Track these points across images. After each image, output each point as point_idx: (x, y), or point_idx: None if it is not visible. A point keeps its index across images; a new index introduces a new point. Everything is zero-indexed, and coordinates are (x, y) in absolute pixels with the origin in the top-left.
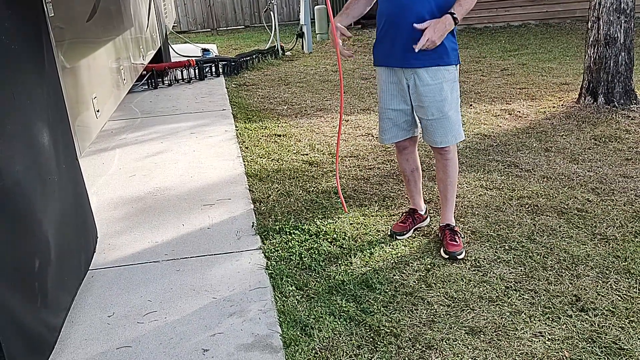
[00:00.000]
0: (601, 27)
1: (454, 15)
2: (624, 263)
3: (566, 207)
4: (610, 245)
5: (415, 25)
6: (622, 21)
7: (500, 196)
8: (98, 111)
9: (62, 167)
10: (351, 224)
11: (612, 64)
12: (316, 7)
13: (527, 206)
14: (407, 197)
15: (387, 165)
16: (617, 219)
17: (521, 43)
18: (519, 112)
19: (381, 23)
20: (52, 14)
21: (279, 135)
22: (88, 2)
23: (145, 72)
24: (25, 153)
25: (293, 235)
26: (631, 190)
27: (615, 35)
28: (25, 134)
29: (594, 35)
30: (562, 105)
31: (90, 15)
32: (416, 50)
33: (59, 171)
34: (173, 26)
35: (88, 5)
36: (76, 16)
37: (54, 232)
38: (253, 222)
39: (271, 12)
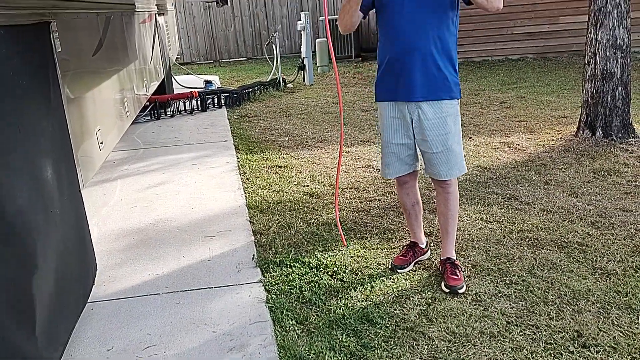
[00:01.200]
0: (598, 63)
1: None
2: (625, 298)
3: (566, 240)
4: (611, 280)
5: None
6: (619, 57)
7: (501, 229)
8: (102, 143)
9: (64, 200)
10: (352, 256)
11: (609, 99)
12: (317, 40)
13: (527, 239)
14: (407, 230)
15: (387, 197)
16: (617, 253)
17: (519, 76)
18: (518, 144)
19: (384, 60)
20: (60, 49)
21: (280, 167)
22: (94, 37)
23: (148, 103)
24: (29, 186)
25: (293, 268)
26: (631, 224)
27: (612, 71)
28: (30, 167)
29: (591, 70)
30: (560, 138)
31: (96, 49)
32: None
33: (61, 203)
34: (176, 58)
35: (94, 40)
36: (83, 50)
37: (54, 265)
38: (253, 255)
39: (273, 45)
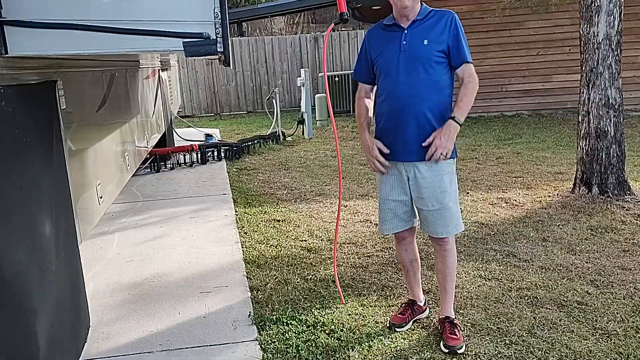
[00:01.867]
0: (591, 121)
1: (456, 119)
2: None
3: (566, 299)
4: (612, 341)
5: (423, 144)
6: (612, 116)
7: (500, 287)
8: (101, 197)
9: (61, 255)
10: (349, 314)
11: (604, 156)
12: (317, 95)
13: (526, 298)
14: (406, 287)
15: (385, 252)
16: (617, 313)
17: (515, 132)
18: (515, 200)
19: (381, 120)
20: (64, 106)
21: (278, 221)
22: (99, 93)
23: (149, 155)
24: (27, 243)
25: (290, 326)
26: (630, 283)
27: (606, 129)
28: (28, 223)
29: (585, 128)
30: (557, 194)
31: (100, 105)
32: (429, 159)
33: (57, 259)
34: (178, 111)
35: (99, 96)
36: (87, 107)
37: (48, 323)
38: (250, 312)
39: (273, 100)
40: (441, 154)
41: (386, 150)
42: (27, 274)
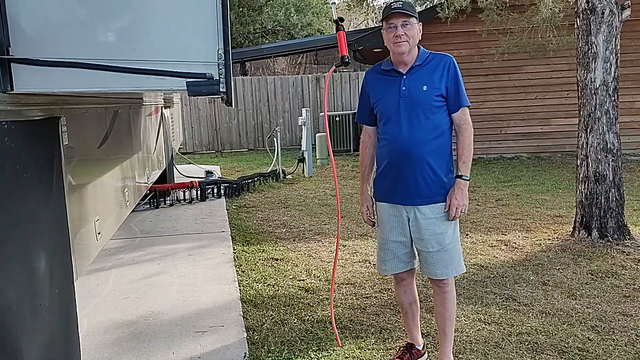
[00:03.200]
0: (590, 165)
1: (464, 177)
2: None
3: (567, 345)
4: None
5: (444, 212)
6: (610, 160)
7: (499, 331)
8: (99, 233)
9: (55, 292)
10: (346, 357)
11: (603, 200)
12: (317, 134)
13: (526, 343)
14: (404, 330)
15: (384, 294)
16: None
17: (514, 174)
18: (515, 243)
19: (382, 163)
20: (67, 142)
21: (276, 259)
22: (101, 129)
23: (148, 191)
24: (21, 278)
25: None
26: (631, 329)
27: (605, 173)
28: (24, 258)
29: (584, 172)
30: (557, 237)
31: (102, 141)
32: (451, 216)
33: (51, 296)
34: (179, 148)
35: (101, 132)
36: (89, 143)
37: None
38: (245, 353)
39: (274, 138)
40: (461, 210)
41: (372, 222)
42: (18, 310)
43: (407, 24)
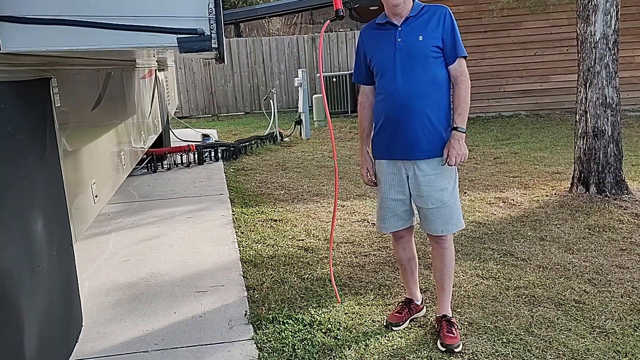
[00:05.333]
0: (589, 120)
1: (459, 128)
2: (625, 359)
3: (563, 298)
4: (610, 340)
5: (441, 165)
6: (609, 115)
7: (497, 286)
8: (96, 196)
9: (53, 254)
10: (346, 313)
11: (601, 155)
12: (314, 95)
13: (524, 297)
14: (403, 286)
15: (382, 252)
16: (615, 312)
17: (513, 132)
18: (513, 200)
19: (380, 119)
20: (59, 104)
21: (275, 220)
22: (94, 92)
23: (145, 156)
24: (19, 240)
25: (286, 325)
26: (628, 281)
27: (603, 128)
28: (21, 221)
29: (582, 128)
30: (555, 194)
31: (95, 104)
32: (446, 164)
33: (50, 258)
34: (175, 112)
35: (94, 95)
36: (81, 105)
37: (38, 323)
38: (246, 311)
39: (271, 100)
40: (461, 159)
41: (373, 183)
42: (17, 273)
43: None
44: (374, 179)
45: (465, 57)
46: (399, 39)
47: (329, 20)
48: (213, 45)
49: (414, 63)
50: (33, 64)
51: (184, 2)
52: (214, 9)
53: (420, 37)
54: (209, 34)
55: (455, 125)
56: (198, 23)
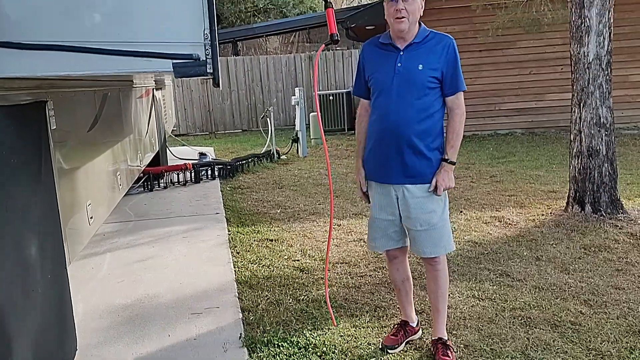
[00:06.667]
0: (583, 140)
1: (450, 160)
2: None
3: (559, 320)
4: None
5: (429, 191)
6: (603, 134)
7: (493, 307)
8: (91, 217)
9: (48, 278)
10: (341, 335)
11: (596, 175)
12: (311, 114)
13: (520, 318)
14: (399, 307)
15: (378, 272)
16: (611, 333)
17: (508, 150)
18: (509, 219)
19: (371, 140)
20: (54, 126)
21: (271, 240)
22: (90, 113)
23: (142, 174)
24: (12, 266)
25: (281, 348)
26: (624, 302)
27: (598, 148)
28: (15, 247)
29: (577, 147)
30: (550, 213)
31: (91, 125)
32: (434, 193)
33: (44, 282)
34: (172, 130)
35: (90, 115)
36: (78, 126)
37: (32, 348)
38: (241, 333)
39: (268, 118)
40: (446, 188)
41: (368, 200)
42: (11, 299)
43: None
44: (364, 195)
45: (464, 92)
46: (399, 64)
47: (323, 44)
48: (208, 71)
49: (410, 89)
50: (29, 87)
51: (180, 27)
52: (209, 35)
53: (420, 66)
54: (204, 59)
55: (446, 157)
56: (194, 48)
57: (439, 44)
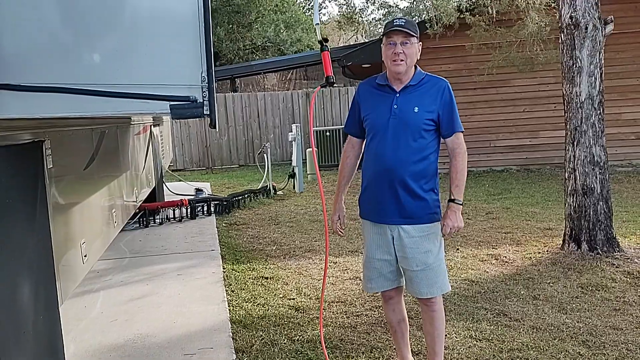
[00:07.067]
0: (578, 178)
1: (456, 201)
2: None
3: None
4: None
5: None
6: (597, 173)
7: (490, 348)
8: (85, 256)
9: (39, 319)
10: None
11: (591, 213)
12: (308, 149)
13: None
14: (395, 349)
15: (374, 312)
16: None
17: (504, 187)
18: (505, 257)
19: (366, 179)
20: (51, 165)
21: (266, 278)
22: (87, 151)
23: (138, 210)
24: (4, 307)
25: None
26: (622, 343)
27: (592, 186)
28: (7, 289)
29: (572, 185)
30: (547, 251)
31: (88, 163)
32: (445, 237)
33: (35, 324)
34: (169, 165)
35: (87, 154)
36: (74, 165)
37: None
38: None
39: (265, 154)
40: (454, 230)
41: (341, 233)
42: (1, 341)
43: (407, 43)
44: (341, 229)
45: (462, 132)
46: (395, 106)
47: (320, 86)
48: (205, 112)
49: (406, 131)
50: (27, 127)
51: (178, 70)
52: (206, 77)
53: (416, 108)
54: (201, 101)
55: (452, 197)
56: (191, 90)
57: (434, 86)
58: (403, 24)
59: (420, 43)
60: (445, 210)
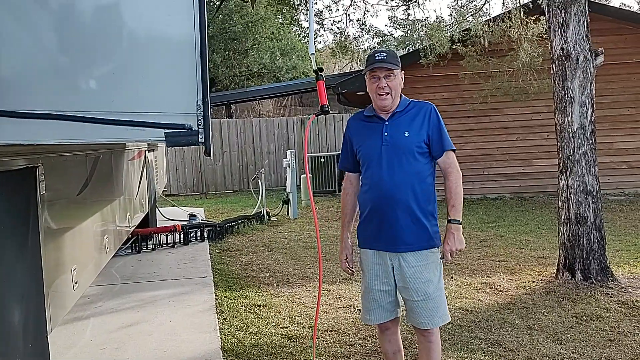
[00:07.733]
0: (571, 207)
1: (453, 221)
2: None
3: None
4: None
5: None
6: (590, 202)
7: None
8: (76, 283)
9: (29, 347)
10: None
11: (585, 242)
12: (302, 175)
13: None
14: None
15: (368, 341)
16: None
17: (498, 215)
18: (500, 286)
19: (365, 209)
20: (44, 191)
21: (259, 306)
22: (81, 177)
23: (130, 236)
24: None
25: None
26: None
27: (585, 215)
28: None
29: (565, 214)
30: (541, 279)
31: (81, 189)
32: (447, 260)
33: (25, 351)
34: (163, 190)
35: (80, 180)
36: (67, 191)
37: None
38: None
39: (259, 180)
40: (456, 251)
41: (351, 271)
42: None
43: (390, 76)
44: (351, 267)
45: (453, 151)
46: (386, 133)
47: (314, 115)
48: (200, 140)
49: (399, 157)
50: (20, 153)
51: (173, 98)
52: (202, 105)
53: (406, 132)
54: (197, 129)
55: (449, 218)
56: (186, 118)
57: (421, 110)
58: (385, 57)
59: (403, 72)
60: (445, 233)
